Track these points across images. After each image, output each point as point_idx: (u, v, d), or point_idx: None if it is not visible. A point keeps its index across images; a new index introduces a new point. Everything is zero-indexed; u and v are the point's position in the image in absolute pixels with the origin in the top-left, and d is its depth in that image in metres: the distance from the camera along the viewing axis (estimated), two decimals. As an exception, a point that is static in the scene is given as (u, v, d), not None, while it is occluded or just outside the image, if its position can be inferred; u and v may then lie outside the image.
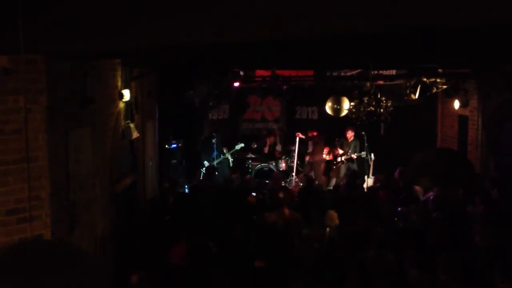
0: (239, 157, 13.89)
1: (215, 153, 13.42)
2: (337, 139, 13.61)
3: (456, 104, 11.82)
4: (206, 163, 13.10)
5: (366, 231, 6.81)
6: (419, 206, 8.08)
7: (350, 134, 13.08)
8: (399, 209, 8.02)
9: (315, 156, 13.52)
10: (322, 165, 13.60)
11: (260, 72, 12.01)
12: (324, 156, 13.65)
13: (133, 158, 8.56)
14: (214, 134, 13.60)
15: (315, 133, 13.57)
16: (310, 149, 13.69)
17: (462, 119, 12.30)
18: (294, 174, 13.43)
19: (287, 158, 13.86)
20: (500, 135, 10.51)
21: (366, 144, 12.94)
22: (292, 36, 3.98)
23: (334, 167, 13.48)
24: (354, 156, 13.03)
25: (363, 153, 12.89)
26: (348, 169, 12.90)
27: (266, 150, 13.98)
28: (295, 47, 5.73)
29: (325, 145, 13.92)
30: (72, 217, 5.32)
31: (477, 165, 10.98)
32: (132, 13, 3.62)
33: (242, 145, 13.61)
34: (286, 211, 7.72)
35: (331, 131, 13.77)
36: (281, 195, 8.41)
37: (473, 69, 9.97)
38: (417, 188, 9.36)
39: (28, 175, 4.43)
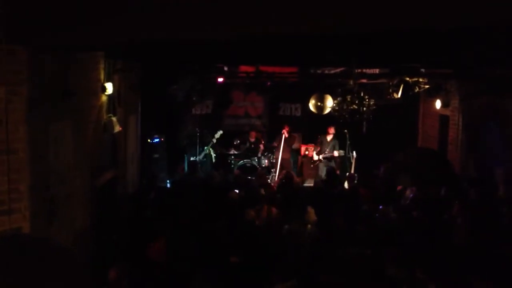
0: (221, 153, 13.87)
1: (199, 150, 13.40)
2: (319, 136, 13.68)
3: (438, 104, 11.95)
4: (191, 158, 13.05)
5: (346, 228, 6.88)
6: (398, 204, 8.18)
7: (331, 131, 13.15)
8: (380, 207, 8.08)
9: (284, 153, 13.49)
10: (299, 162, 13.63)
11: (244, 68, 11.99)
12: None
13: (115, 152, 8.51)
14: (197, 129, 13.56)
15: (287, 128, 13.53)
16: (280, 146, 13.57)
17: (443, 119, 12.43)
18: (276, 170, 13.43)
19: (269, 155, 13.87)
20: (480, 136, 10.64)
21: (348, 142, 13.02)
22: (276, 33, 3.99)
23: (312, 165, 13.53)
24: (336, 154, 13.09)
25: (341, 152, 12.99)
26: (327, 167, 12.93)
27: (243, 148, 13.91)
28: (279, 44, 5.74)
29: (303, 143, 14.01)
30: (51, 211, 5.27)
31: (457, 165, 11.11)
32: (115, 6, 3.59)
33: (221, 132, 13.53)
34: (266, 207, 7.76)
35: (314, 128, 13.83)
36: (262, 192, 8.45)
37: (455, 70, 10.08)
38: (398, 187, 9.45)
39: (8, 168, 4.38)
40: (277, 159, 13.42)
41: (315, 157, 13.33)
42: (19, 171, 4.51)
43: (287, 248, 6.56)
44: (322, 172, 13.04)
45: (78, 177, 6.24)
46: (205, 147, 13.43)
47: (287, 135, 13.36)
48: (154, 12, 3.48)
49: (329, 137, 13.26)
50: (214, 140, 13.43)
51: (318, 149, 13.41)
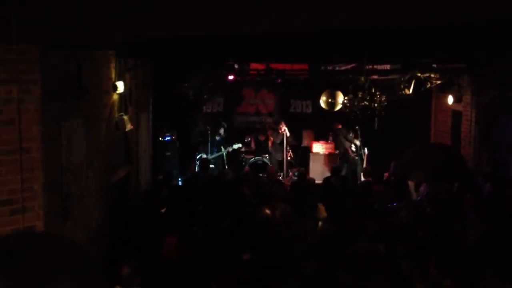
0: (232, 150, 13.90)
1: (214, 148, 13.46)
2: (330, 134, 13.70)
3: (450, 99, 11.85)
4: (203, 155, 13.09)
5: (359, 224, 6.86)
6: (410, 201, 8.13)
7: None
8: (394, 204, 8.03)
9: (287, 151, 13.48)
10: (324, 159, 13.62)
11: (254, 65, 11.99)
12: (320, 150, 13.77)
13: (127, 150, 8.55)
14: (208, 127, 13.59)
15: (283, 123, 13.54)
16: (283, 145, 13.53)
17: (455, 114, 12.34)
18: (285, 167, 13.41)
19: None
20: (493, 131, 10.55)
21: (360, 139, 12.99)
22: (286, 30, 3.98)
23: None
24: (358, 142, 13.11)
25: (357, 142, 13.03)
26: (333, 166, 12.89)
27: (253, 145, 13.95)
28: (289, 40, 5.73)
29: (314, 139, 14.03)
30: (65, 209, 5.31)
31: (470, 161, 11.02)
32: (127, 3, 3.61)
33: (240, 145, 13.62)
34: (279, 204, 7.75)
35: (325, 125, 13.81)
36: (274, 189, 8.44)
37: (467, 65, 10.00)
38: (410, 183, 9.39)
39: (21, 166, 4.42)
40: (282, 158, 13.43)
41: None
42: (32, 170, 4.54)
43: (298, 246, 6.55)
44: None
45: (92, 175, 6.29)
46: (220, 151, 13.50)
47: (288, 134, 13.33)
48: (162, 8, 3.49)
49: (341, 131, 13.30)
50: (230, 149, 13.49)
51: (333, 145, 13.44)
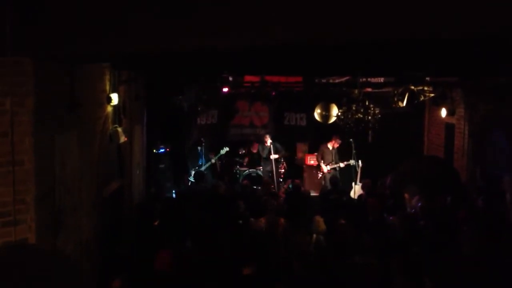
0: (226, 162, 13.87)
1: (202, 160, 13.37)
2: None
3: (443, 112, 11.92)
4: (192, 172, 13.01)
5: (354, 238, 6.84)
6: (405, 213, 8.13)
7: (337, 142, 13.14)
8: (391, 218, 8.02)
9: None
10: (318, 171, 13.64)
11: (249, 78, 12.02)
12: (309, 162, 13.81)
13: (121, 162, 8.52)
14: (202, 139, 13.57)
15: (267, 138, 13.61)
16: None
17: (448, 127, 12.40)
18: (281, 180, 13.41)
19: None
20: (486, 144, 10.60)
21: (354, 151, 13.00)
22: (282, 43, 4.00)
23: (319, 177, 13.48)
24: (342, 165, 13.07)
25: (352, 161, 12.96)
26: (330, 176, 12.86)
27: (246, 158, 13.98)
28: (284, 53, 5.75)
29: (308, 152, 14.06)
30: (57, 221, 5.27)
31: (463, 174, 11.06)
32: (120, 18, 3.61)
33: (227, 149, 13.55)
34: (273, 217, 7.73)
35: (319, 138, 13.83)
36: (269, 201, 8.41)
37: (460, 78, 10.06)
38: (406, 195, 9.40)
39: (14, 179, 4.39)
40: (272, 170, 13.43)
41: (324, 169, 13.24)
42: (25, 182, 4.51)
43: (292, 258, 6.52)
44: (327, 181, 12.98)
45: (84, 187, 6.25)
46: (210, 160, 13.42)
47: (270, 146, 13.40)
48: (158, 22, 3.50)
49: (330, 146, 13.24)
50: (213, 160, 13.41)
51: (320, 158, 13.36)
